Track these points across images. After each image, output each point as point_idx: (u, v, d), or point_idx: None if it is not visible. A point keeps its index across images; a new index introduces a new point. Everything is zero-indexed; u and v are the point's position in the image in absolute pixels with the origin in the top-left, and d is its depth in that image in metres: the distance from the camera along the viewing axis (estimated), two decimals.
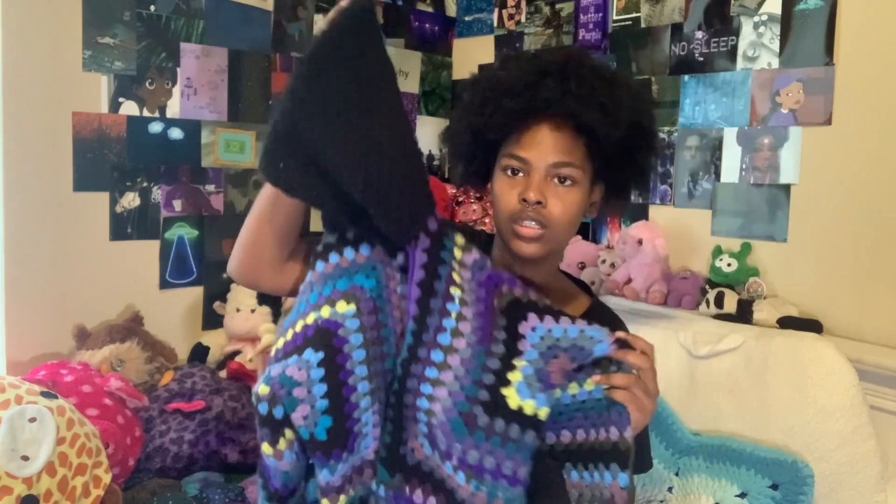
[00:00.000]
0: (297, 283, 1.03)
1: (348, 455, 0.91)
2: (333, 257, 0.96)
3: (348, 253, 0.96)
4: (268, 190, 0.98)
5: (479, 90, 1.07)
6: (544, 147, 1.02)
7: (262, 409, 0.89)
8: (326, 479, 0.90)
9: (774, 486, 1.24)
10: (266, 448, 0.90)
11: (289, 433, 0.89)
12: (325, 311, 0.93)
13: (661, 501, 1.37)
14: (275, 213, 0.99)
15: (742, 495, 1.27)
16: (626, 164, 1.07)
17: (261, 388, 0.89)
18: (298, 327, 0.93)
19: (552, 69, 1.01)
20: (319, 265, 0.97)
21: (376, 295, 0.95)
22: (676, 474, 1.37)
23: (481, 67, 2.51)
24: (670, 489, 1.37)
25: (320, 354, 0.90)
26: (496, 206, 1.07)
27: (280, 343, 0.93)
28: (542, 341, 0.96)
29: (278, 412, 0.88)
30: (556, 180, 1.02)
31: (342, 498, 0.91)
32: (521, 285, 1.02)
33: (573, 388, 0.95)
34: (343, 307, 0.93)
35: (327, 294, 0.94)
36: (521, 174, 1.03)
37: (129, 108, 2.09)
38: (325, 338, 0.91)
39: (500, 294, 1.00)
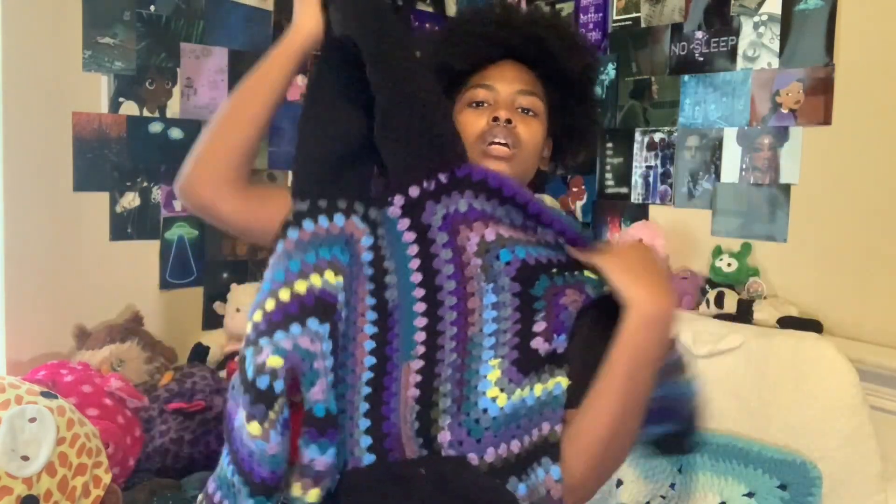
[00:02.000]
0: (246, 217, 0.98)
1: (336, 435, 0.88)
2: (308, 224, 0.93)
3: (323, 221, 0.94)
4: (247, 88, 1.02)
5: (445, 30, 1.14)
6: (509, 76, 1.07)
7: (263, 382, 0.83)
8: (316, 457, 0.86)
9: (783, 487, 1.24)
10: (255, 428, 0.83)
11: (277, 407, 0.84)
12: (317, 280, 0.89)
13: (663, 497, 1.37)
14: (245, 115, 1.00)
15: (749, 495, 1.26)
16: (575, 111, 1.13)
17: (270, 359, 0.84)
18: (285, 296, 0.88)
19: (516, 13, 1.11)
20: (292, 232, 0.92)
21: (349, 272, 0.93)
22: (679, 470, 1.37)
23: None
24: (672, 485, 1.37)
25: (327, 326, 0.88)
26: (464, 134, 1.04)
27: (259, 316, 0.88)
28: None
29: (278, 386, 0.84)
30: (519, 110, 1.06)
31: (316, 490, 0.87)
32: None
33: (537, 389, 0.92)
34: (332, 278, 0.91)
35: (312, 262, 0.90)
36: (485, 105, 1.06)
37: (129, 108, 2.09)
38: (328, 310, 0.89)
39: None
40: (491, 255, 0.95)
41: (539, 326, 0.93)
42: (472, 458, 0.89)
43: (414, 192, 0.96)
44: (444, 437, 0.90)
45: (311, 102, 0.99)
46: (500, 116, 1.02)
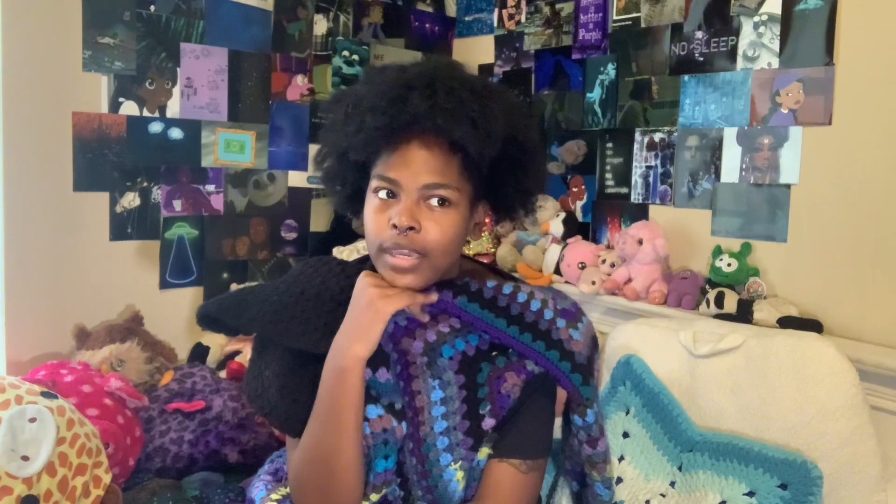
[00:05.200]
0: None
1: None
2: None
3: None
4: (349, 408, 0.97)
5: (342, 108, 0.98)
6: (414, 167, 0.92)
7: None
8: None
9: (783, 486, 1.24)
10: None
11: None
12: None
13: (663, 496, 1.37)
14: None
15: (750, 494, 1.26)
16: (506, 183, 1.00)
17: None
18: None
19: (419, 82, 0.92)
20: None
21: None
22: (680, 469, 1.37)
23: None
24: (672, 484, 1.37)
25: None
26: (366, 234, 0.97)
27: None
28: None
29: None
30: (431, 201, 0.93)
31: None
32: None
33: (482, 453, 1.07)
34: None
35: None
36: (393, 197, 0.94)
37: (129, 108, 2.09)
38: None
39: None
40: (435, 353, 1.00)
41: (487, 424, 1.00)
42: None
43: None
44: None
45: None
46: (400, 224, 0.91)
